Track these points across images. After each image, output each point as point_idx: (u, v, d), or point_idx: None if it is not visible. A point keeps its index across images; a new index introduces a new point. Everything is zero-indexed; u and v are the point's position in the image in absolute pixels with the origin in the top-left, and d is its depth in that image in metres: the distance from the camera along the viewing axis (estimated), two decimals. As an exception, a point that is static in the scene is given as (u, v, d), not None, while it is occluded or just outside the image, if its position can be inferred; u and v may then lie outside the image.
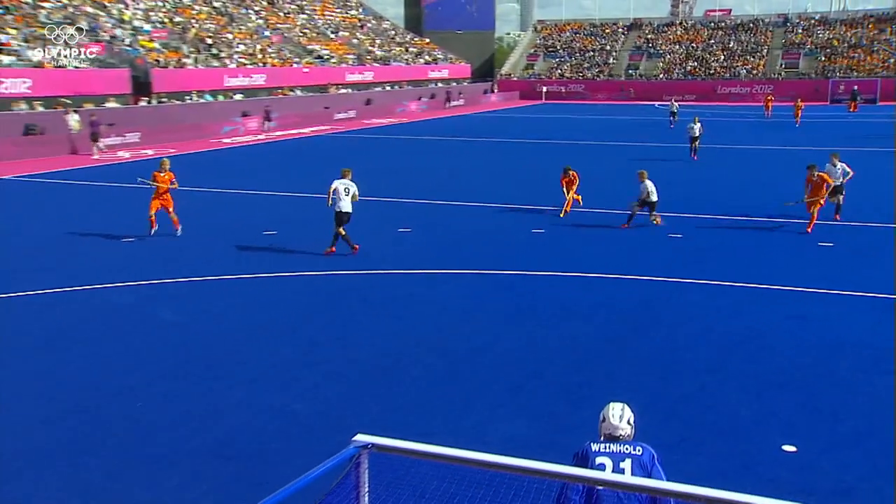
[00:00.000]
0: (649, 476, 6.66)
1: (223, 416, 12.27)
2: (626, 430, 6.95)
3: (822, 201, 23.62)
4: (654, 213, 24.89)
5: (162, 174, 22.96)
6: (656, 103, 59.04)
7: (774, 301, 18.04)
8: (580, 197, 27.40)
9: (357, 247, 21.08)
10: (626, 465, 6.68)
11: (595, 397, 13.12)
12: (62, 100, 43.85)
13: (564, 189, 27.17)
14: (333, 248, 21.14)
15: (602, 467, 6.69)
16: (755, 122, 58.99)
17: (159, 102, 51.03)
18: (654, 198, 24.64)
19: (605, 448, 6.80)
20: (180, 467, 10.69)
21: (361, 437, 5.29)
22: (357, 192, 21.05)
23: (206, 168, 37.09)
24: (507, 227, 24.84)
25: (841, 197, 24.95)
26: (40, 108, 42.45)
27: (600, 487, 6.51)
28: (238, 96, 56.44)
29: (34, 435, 11.55)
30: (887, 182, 33.15)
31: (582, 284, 19.19)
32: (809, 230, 23.30)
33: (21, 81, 43.23)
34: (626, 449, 6.78)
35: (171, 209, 23.07)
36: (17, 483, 10.30)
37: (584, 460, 6.73)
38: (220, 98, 55.15)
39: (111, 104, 47.45)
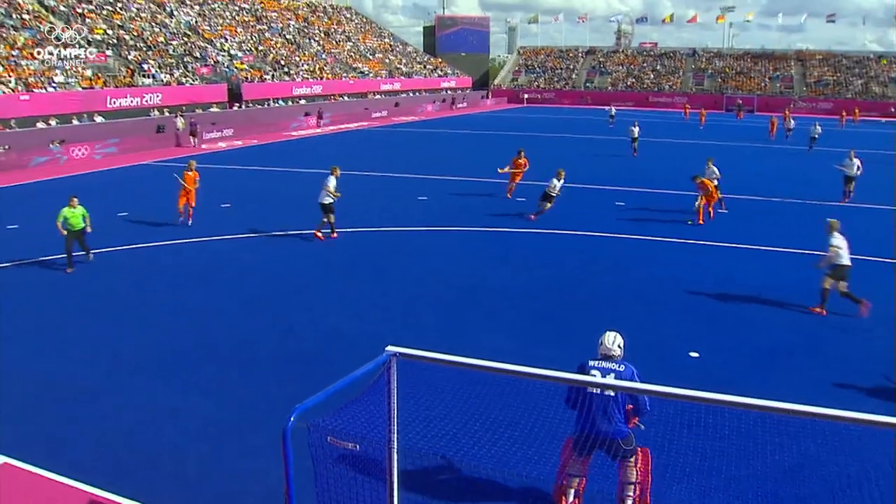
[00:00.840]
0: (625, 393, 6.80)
1: (293, 332, 12.38)
2: (616, 351, 7.05)
3: (713, 197, 21.24)
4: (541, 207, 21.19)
5: (189, 173, 19.99)
6: (609, 108, 58.43)
7: (686, 250, 18.06)
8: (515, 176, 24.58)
9: (323, 236, 18.61)
10: (610, 377, 6.80)
11: (561, 321, 13.24)
12: (182, 107, 44.08)
13: (511, 170, 24.58)
14: (320, 233, 18.73)
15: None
16: (675, 123, 58.48)
17: (247, 107, 50.92)
18: (554, 193, 21.03)
19: (598, 363, 6.96)
20: (265, 369, 10.82)
21: (391, 348, 5.35)
22: (332, 187, 18.41)
23: (279, 154, 36.92)
24: (499, 195, 24.76)
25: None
26: (167, 113, 42.69)
27: (589, 389, 6.72)
28: (302, 102, 56.15)
29: (162, 347, 11.70)
30: (762, 167, 33.06)
31: (551, 238, 19.19)
32: (701, 222, 20.71)
33: (155, 95, 43.76)
34: (613, 366, 6.93)
35: (192, 204, 20.07)
36: (150, 383, 10.44)
37: (582, 370, 6.94)
38: (290, 103, 54.98)
39: (214, 109, 47.64)
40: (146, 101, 43.12)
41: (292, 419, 4.61)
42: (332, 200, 18.49)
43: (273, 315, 13.20)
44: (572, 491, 7.13)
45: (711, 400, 4.84)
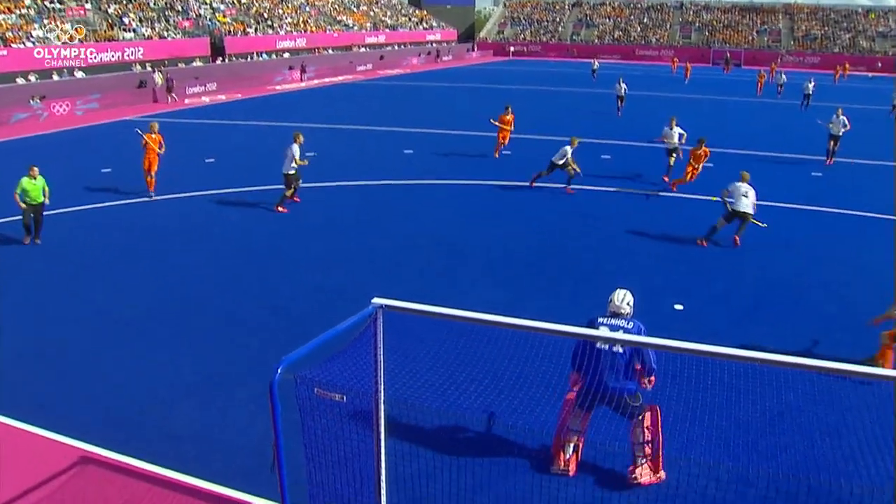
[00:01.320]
0: (634, 349, 6.84)
1: (278, 288, 12.37)
2: (625, 309, 7.08)
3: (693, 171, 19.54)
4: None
5: (153, 136, 17.79)
6: (592, 61, 57.77)
7: (672, 203, 18.08)
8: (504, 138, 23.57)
9: (286, 209, 17.03)
10: (619, 334, 6.79)
11: (545, 274, 13.28)
12: (164, 62, 43.38)
13: (500, 124, 23.46)
14: (283, 208, 17.02)
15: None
16: (661, 77, 57.88)
17: (230, 61, 50.16)
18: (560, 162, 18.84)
19: (607, 320, 7.01)
20: (251, 324, 10.81)
21: (377, 300, 5.34)
22: (296, 155, 16.81)
23: (263, 108, 36.46)
24: (482, 148, 24.60)
25: (675, 157, 20.29)
26: (148, 68, 41.96)
27: (598, 345, 6.83)
28: (286, 55, 55.34)
29: (147, 304, 11.67)
30: (752, 124, 32.95)
31: (538, 192, 19.15)
32: (674, 189, 19.52)
33: (137, 49, 42.92)
34: (622, 323, 6.98)
35: (153, 170, 17.95)
36: (136, 339, 10.44)
37: (591, 326, 6.97)
38: (274, 57, 54.18)
39: (196, 63, 46.89)
40: (128, 56, 42.30)
41: (280, 371, 4.61)
42: (296, 170, 17.02)
43: (258, 270, 13.15)
44: (571, 446, 7.22)
45: (706, 352, 4.86)
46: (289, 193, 17.11)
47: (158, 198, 17.81)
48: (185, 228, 15.68)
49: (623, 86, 35.15)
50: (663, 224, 16.31)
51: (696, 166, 19.46)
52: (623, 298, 7.12)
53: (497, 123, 23.81)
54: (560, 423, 7.27)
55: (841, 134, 23.58)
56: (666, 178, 20.10)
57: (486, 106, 33.62)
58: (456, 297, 11.60)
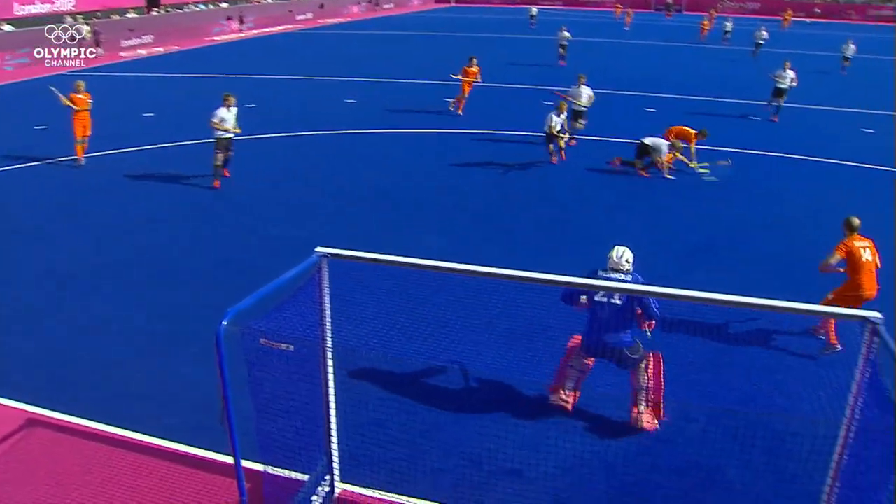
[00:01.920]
0: (630, 300, 6.91)
1: (224, 241, 12.21)
2: (625, 266, 7.07)
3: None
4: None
5: (80, 95, 16.15)
6: (530, 7, 57.01)
7: (613, 149, 18.25)
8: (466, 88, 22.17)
9: (218, 183, 15.02)
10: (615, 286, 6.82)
11: (494, 222, 13.35)
12: (97, 13, 41.67)
13: (463, 77, 22.14)
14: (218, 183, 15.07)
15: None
16: (602, 23, 57.47)
17: (166, 12, 48.65)
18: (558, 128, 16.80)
19: (606, 274, 7.01)
20: (196, 279, 10.70)
21: (321, 249, 5.31)
22: (217, 119, 14.63)
23: (202, 60, 35.47)
24: (426, 96, 24.39)
25: (582, 122, 18.62)
26: (79, 20, 40.34)
27: (597, 298, 6.91)
28: (224, 5, 53.78)
29: (92, 261, 11.43)
30: (693, 64, 33.05)
31: (484, 139, 19.12)
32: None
33: (68, 1, 41.15)
34: (621, 277, 6.98)
35: (87, 133, 16.43)
36: (83, 296, 10.25)
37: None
38: (210, 7, 52.64)
39: (131, 14, 45.30)
40: (58, 8, 40.47)
41: (224, 323, 4.58)
42: (230, 135, 14.75)
43: (201, 225, 12.96)
44: (571, 382, 7.34)
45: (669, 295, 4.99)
46: (217, 163, 14.95)
47: (95, 154, 17.19)
48: (125, 184, 15.29)
49: (566, 34, 33.42)
50: (616, 174, 16.46)
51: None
52: (622, 255, 7.11)
53: (460, 77, 22.29)
54: (563, 359, 7.38)
55: (787, 87, 22.36)
56: (572, 142, 18.23)
57: (427, 53, 33.29)
58: (404, 246, 11.62)
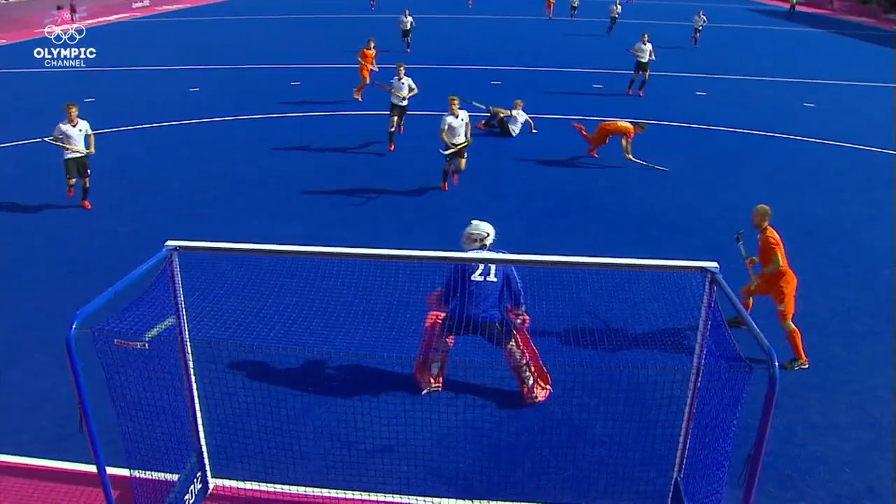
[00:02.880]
0: (506, 275, 6.98)
1: (70, 241, 11.62)
2: (489, 240, 7.16)
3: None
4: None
5: None
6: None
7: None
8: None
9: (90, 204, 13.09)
10: (493, 269, 6.93)
11: (348, 203, 13.34)
12: None
13: (362, 60, 21.21)
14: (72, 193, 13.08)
15: (474, 267, 6.95)
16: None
17: (-15, 3, 45.23)
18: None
19: (478, 253, 6.86)
20: (44, 284, 10.12)
21: (171, 242, 5.17)
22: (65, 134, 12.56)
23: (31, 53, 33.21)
24: (272, 82, 23.86)
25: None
26: None
27: (473, 276, 6.92)
28: (52, -6, 50.57)
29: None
30: (541, 39, 33.84)
31: (332, 120, 18.97)
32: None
33: None
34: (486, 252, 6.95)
35: None
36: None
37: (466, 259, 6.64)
38: (38, -3, 49.40)
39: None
40: None
41: (74, 327, 4.39)
42: (79, 156, 12.58)
43: (47, 227, 12.22)
44: (436, 366, 7.39)
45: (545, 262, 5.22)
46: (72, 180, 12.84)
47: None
48: None
49: (408, 18, 31.08)
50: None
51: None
52: (485, 229, 7.19)
53: (360, 60, 21.28)
54: (424, 344, 7.30)
55: (649, 61, 22.62)
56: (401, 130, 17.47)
57: (273, 37, 32.60)
58: (260, 233, 11.50)
